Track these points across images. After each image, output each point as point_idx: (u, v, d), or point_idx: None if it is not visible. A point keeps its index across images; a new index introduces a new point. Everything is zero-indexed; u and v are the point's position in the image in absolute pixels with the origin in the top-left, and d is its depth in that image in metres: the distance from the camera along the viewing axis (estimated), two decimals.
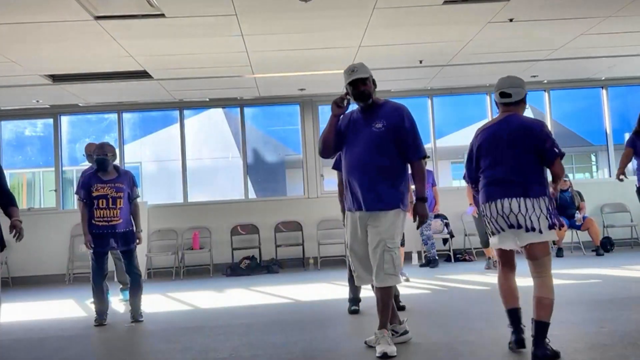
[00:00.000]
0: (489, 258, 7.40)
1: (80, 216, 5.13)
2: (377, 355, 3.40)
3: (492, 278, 6.63)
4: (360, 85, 3.62)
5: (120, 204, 5.08)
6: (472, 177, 3.59)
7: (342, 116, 3.74)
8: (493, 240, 3.45)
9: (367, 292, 4.73)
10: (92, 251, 5.07)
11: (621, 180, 6.01)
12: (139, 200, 5.37)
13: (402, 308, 4.81)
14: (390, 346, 3.43)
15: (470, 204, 7.19)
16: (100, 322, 5.06)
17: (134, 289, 5.18)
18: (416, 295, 5.80)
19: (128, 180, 5.20)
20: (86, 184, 5.10)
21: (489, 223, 3.39)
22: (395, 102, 3.79)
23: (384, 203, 3.58)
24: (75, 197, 6.06)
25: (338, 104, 3.62)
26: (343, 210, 3.99)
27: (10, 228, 4.03)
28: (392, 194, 3.60)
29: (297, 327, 4.38)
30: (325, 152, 3.81)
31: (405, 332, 3.78)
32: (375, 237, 3.56)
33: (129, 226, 5.16)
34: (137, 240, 5.20)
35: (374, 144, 3.60)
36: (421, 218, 3.65)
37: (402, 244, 7.32)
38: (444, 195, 9.27)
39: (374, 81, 3.70)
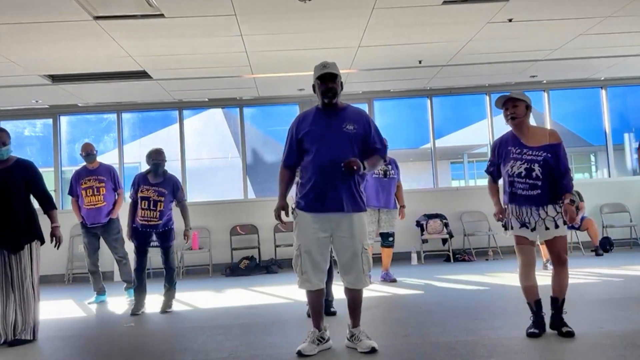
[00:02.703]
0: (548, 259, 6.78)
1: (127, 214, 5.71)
2: (366, 350, 3.53)
3: (492, 278, 6.67)
4: (329, 82, 3.63)
5: (160, 207, 5.55)
6: None
7: (298, 118, 3.77)
8: None
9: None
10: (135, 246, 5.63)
11: None
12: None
13: (333, 314, 4.85)
14: (371, 340, 3.61)
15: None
16: (136, 312, 5.46)
17: (168, 282, 5.69)
18: (415, 296, 5.81)
19: (172, 185, 5.67)
20: (135, 184, 5.63)
21: None
22: (356, 107, 3.83)
23: (360, 204, 3.65)
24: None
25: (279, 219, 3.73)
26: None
27: (50, 236, 4.52)
28: (362, 196, 3.69)
29: (297, 327, 4.37)
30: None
31: (329, 340, 3.77)
32: (351, 241, 3.59)
33: (168, 225, 5.68)
34: (186, 238, 5.87)
35: (349, 145, 3.60)
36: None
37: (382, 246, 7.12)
38: (443, 196, 9.30)
39: (341, 84, 3.71)
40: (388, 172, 6.58)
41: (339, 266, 3.69)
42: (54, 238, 4.54)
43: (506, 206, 3.87)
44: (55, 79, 7.43)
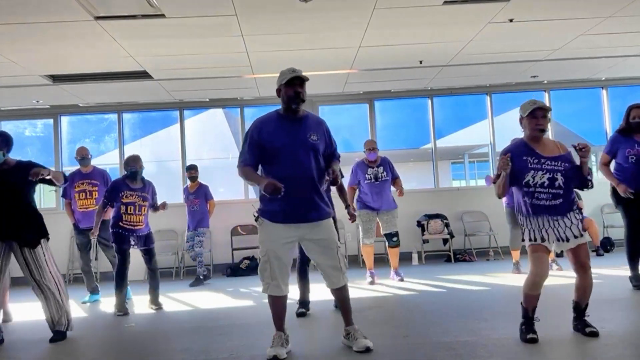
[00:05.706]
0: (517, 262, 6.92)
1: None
2: (360, 349, 3.54)
3: (492, 278, 6.66)
4: (298, 86, 3.60)
5: (144, 211, 5.75)
6: None
7: (259, 123, 3.72)
8: None
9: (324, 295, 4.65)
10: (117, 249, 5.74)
11: (632, 196, 5.47)
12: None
13: None
14: (367, 339, 3.62)
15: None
16: (125, 312, 5.61)
17: (153, 282, 5.85)
18: (416, 296, 5.81)
19: (151, 191, 5.89)
20: (115, 190, 5.73)
21: None
22: (314, 115, 3.87)
23: (327, 211, 3.70)
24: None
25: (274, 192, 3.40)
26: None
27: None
28: (329, 202, 3.81)
29: (297, 327, 4.37)
30: None
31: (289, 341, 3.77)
32: (325, 242, 3.63)
33: (149, 228, 5.88)
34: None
35: (314, 155, 3.61)
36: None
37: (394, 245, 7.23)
38: (444, 196, 9.30)
39: (305, 93, 3.68)
40: (379, 175, 6.62)
41: (319, 269, 3.73)
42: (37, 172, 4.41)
43: (522, 218, 3.73)
44: (56, 79, 7.43)
